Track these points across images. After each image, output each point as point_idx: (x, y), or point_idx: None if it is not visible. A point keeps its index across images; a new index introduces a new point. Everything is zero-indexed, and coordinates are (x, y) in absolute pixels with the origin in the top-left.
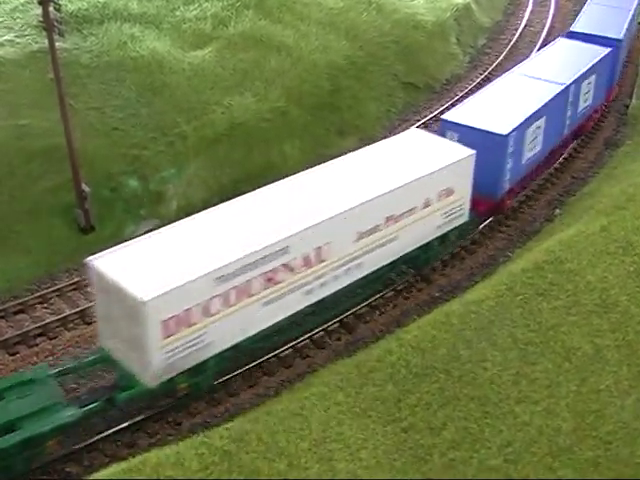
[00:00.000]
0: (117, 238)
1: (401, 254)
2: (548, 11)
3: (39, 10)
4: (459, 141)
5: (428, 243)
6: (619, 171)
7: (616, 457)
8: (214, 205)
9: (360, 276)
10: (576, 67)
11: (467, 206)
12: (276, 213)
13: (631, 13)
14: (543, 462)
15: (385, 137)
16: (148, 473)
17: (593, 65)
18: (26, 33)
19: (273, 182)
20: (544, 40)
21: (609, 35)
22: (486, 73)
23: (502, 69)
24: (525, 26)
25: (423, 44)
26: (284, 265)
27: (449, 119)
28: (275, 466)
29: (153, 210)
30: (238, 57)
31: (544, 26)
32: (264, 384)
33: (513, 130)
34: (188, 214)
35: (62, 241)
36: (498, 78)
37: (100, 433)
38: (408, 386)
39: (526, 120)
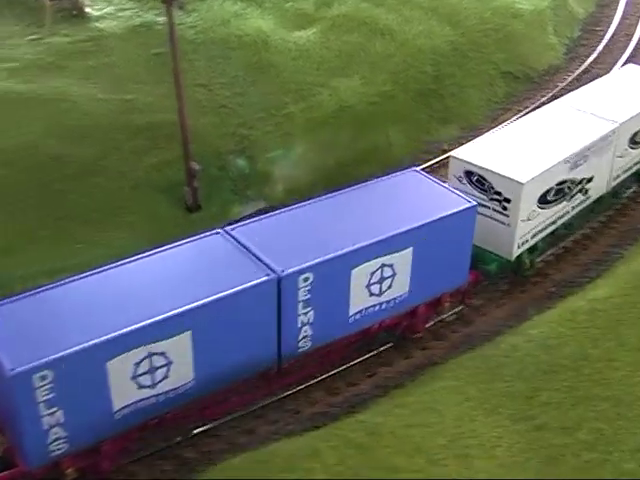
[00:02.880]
0: (223, 218)
1: None
2: None
3: None
4: None
5: None
6: None
7: None
8: (319, 190)
9: None
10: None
11: None
12: None
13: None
14: None
15: (487, 127)
16: (281, 464)
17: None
18: (126, 7)
19: (378, 167)
20: None
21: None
22: (585, 65)
23: (600, 62)
24: (621, 17)
25: (522, 33)
26: None
27: None
28: (414, 462)
29: (259, 191)
30: (342, 39)
31: None
32: (383, 374)
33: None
34: (293, 198)
35: (167, 219)
36: None
37: None
38: (537, 383)
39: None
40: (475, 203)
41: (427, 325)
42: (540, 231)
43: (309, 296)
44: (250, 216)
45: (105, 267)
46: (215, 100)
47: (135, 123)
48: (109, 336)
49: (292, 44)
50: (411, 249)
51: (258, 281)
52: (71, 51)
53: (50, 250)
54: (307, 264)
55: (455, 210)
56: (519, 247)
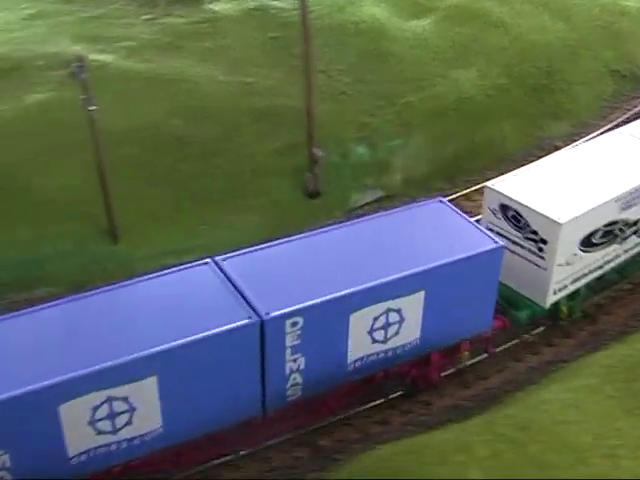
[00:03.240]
0: (342, 206)
1: None
2: None
3: None
4: None
5: None
6: None
7: None
8: (435, 181)
9: None
10: None
11: None
12: None
13: None
14: None
15: (597, 125)
16: (432, 457)
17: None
18: None
19: (492, 162)
20: None
21: None
22: None
23: None
24: None
25: (630, 31)
26: None
27: None
28: (564, 459)
29: (378, 180)
30: (456, 30)
31: None
32: (512, 369)
33: None
34: (410, 188)
35: (288, 204)
36: None
37: None
38: None
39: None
40: (502, 244)
41: (443, 374)
42: (583, 276)
43: (299, 342)
44: (369, 205)
45: (75, 297)
46: (334, 86)
47: (256, 106)
48: (61, 378)
49: (409, 33)
50: (423, 293)
51: (236, 325)
52: (187, 32)
53: (173, 230)
54: (295, 307)
55: (478, 251)
56: (555, 293)
